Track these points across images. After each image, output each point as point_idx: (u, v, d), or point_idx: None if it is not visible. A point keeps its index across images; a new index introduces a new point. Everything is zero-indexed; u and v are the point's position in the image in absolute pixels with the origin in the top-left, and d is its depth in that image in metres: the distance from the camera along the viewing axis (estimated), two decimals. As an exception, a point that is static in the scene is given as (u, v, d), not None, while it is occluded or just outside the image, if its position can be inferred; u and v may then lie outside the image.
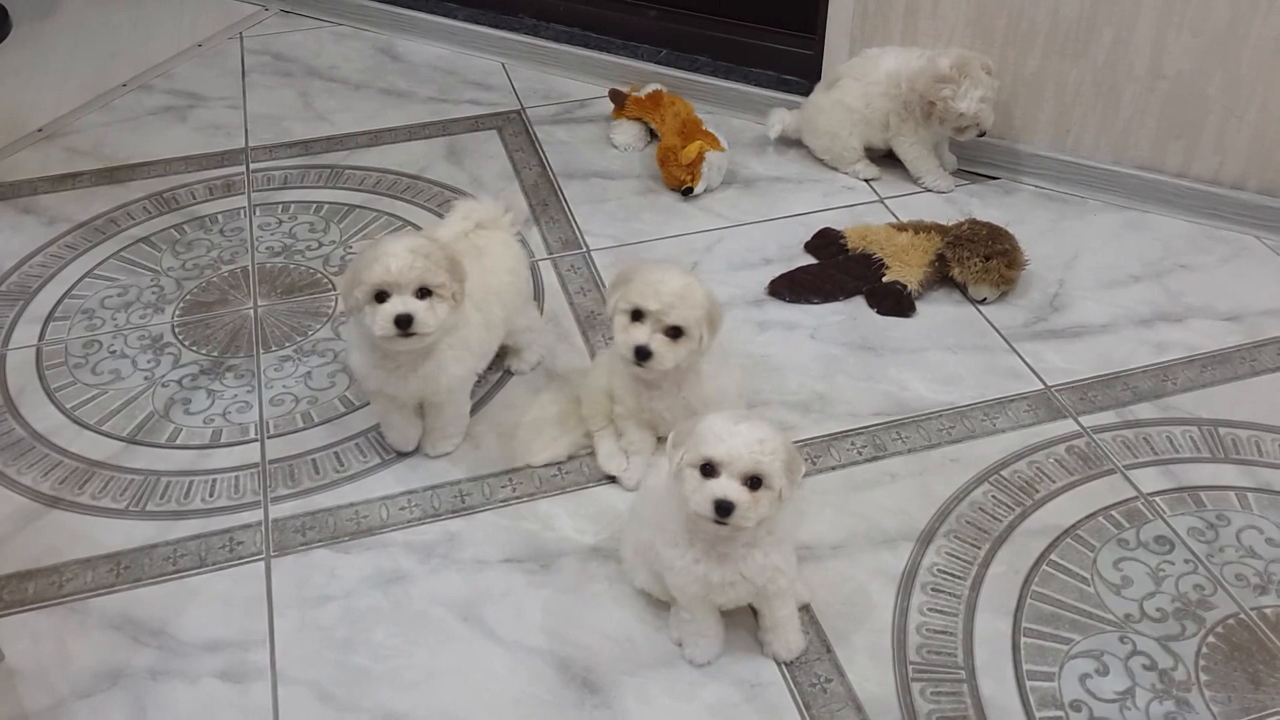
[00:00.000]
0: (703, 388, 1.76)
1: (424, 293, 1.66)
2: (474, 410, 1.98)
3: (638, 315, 1.67)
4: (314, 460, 1.91)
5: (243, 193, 2.59)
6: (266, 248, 2.41)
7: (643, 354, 1.66)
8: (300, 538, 1.77)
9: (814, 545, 1.74)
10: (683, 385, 1.76)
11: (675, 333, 1.66)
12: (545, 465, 1.89)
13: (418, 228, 2.40)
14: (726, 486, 1.36)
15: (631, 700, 1.53)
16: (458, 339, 1.77)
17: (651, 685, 1.55)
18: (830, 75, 2.62)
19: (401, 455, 1.91)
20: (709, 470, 1.38)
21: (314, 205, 2.54)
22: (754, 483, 1.37)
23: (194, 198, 2.58)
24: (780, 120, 2.68)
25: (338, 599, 1.68)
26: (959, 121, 2.40)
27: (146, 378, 2.08)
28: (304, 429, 1.97)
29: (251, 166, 2.68)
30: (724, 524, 1.37)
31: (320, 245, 2.41)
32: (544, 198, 2.56)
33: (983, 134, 2.45)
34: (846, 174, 2.61)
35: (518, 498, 1.84)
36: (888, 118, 2.52)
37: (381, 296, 1.65)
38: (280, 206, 2.54)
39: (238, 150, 2.74)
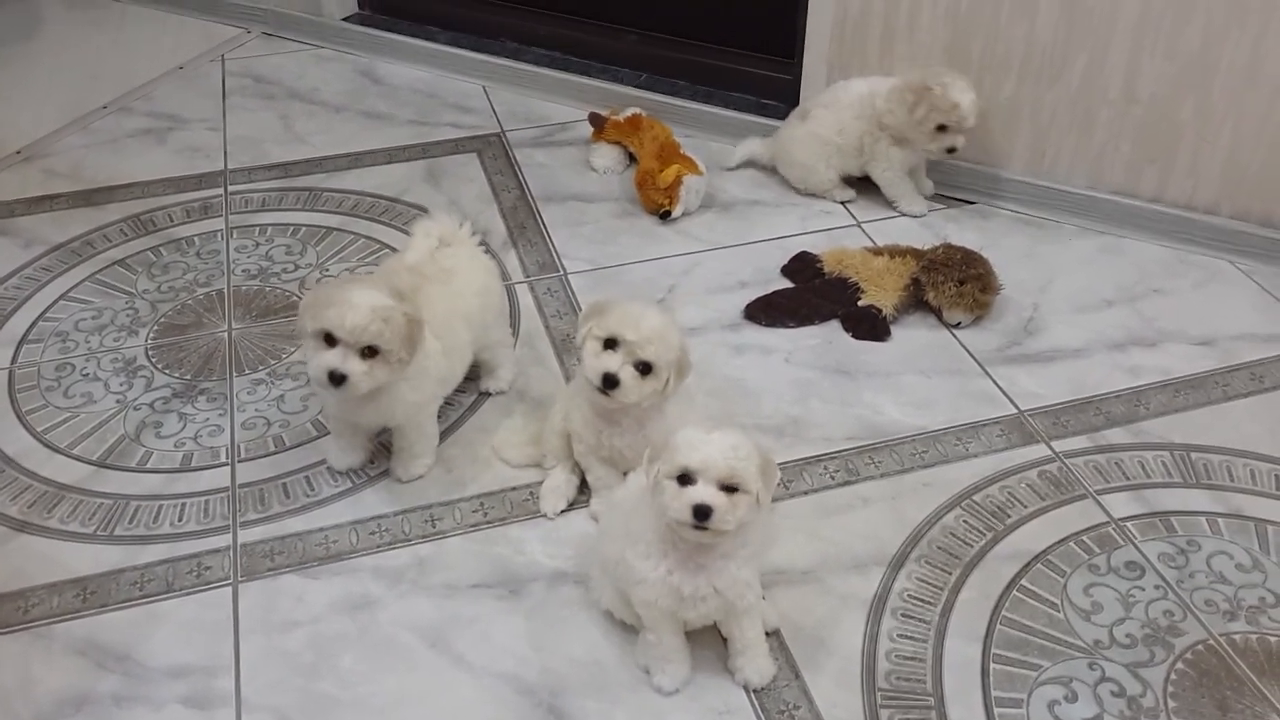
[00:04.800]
0: (666, 426, 1.74)
1: (371, 351, 1.66)
2: (447, 434, 1.98)
3: (610, 344, 1.66)
4: (284, 484, 1.90)
5: (220, 215, 2.59)
6: (243, 270, 2.41)
7: (610, 381, 1.65)
8: (268, 563, 1.76)
9: (785, 569, 1.74)
10: (645, 423, 1.75)
11: (646, 369, 1.66)
12: (518, 465, 1.92)
13: (394, 250, 2.40)
14: (704, 492, 1.38)
15: (598, 727, 1.53)
16: (415, 369, 1.75)
17: (618, 712, 1.54)
18: (801, 108, 2.63)
19: (358, 479, 1.91)
20: (686, 479, 1.39)
21: (291, 228, 2.54)
22: (730, 489, 1.39)
23: (171, 220, 2.57)
24: (748, 150, 2.70)
25: (305, 625, 1.67)
26: (948, 115, 2.36)
27: (119, 401, 2.07)
28: (275, 453, 1.96)
29: (230, 189, 2.68)
30: (704, 528, 1.39)
31: (296, 268, 2.41)
32: (522, 220, 2.56)
33: (952, 151, 2.42)
34: (823, 198, 2.62)
35: (489, 522, 1.83)
36: (862, 141, 2.52)
37: (330, 340, 1.65)
38: (257, 229, 2.54)
39: (216, 173, 2.74)
